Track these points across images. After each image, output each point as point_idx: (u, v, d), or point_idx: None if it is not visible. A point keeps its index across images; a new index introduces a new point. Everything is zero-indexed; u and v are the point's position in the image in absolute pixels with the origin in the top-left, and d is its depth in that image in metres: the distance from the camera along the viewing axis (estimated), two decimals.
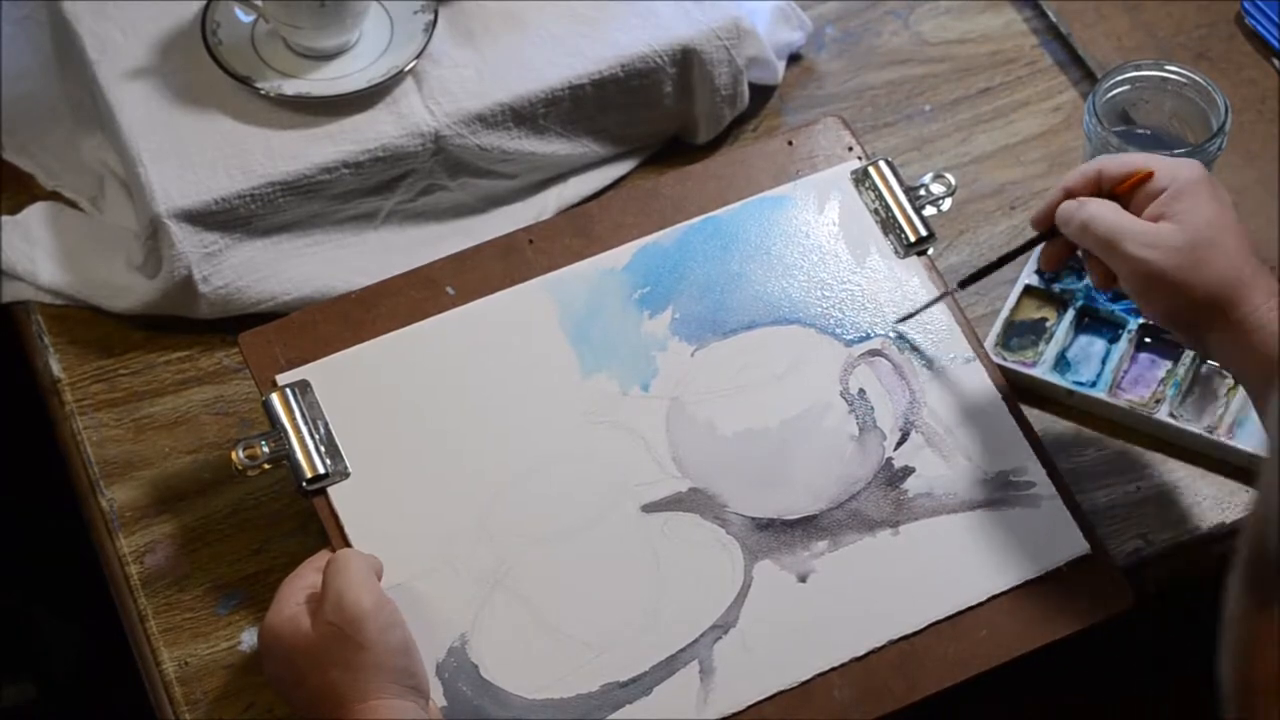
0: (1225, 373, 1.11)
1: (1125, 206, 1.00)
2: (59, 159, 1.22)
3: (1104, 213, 0.99)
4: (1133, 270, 0.98)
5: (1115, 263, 0.99)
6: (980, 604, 1.01)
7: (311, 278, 1.15)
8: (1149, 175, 1.00)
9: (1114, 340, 1.13)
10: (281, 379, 1.05)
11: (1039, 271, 1.15)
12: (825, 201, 1.13)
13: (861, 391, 1.07)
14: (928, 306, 1.09)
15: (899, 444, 1.05)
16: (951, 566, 1.01)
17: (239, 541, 1.07)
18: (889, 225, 1.12)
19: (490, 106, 1.16)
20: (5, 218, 1.18)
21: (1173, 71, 1.12)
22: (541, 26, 1.20)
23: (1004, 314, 1.14)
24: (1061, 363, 1.12)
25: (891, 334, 1.09)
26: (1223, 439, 1.09)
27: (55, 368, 1.14)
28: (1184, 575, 1.07)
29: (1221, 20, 1.27)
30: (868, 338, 1.09)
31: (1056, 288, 1.15)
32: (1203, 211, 0.98)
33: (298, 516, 1.07)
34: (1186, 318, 0.98)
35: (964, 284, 1.08)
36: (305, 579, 0.97)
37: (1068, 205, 1.02)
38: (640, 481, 1.04)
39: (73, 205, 1.20)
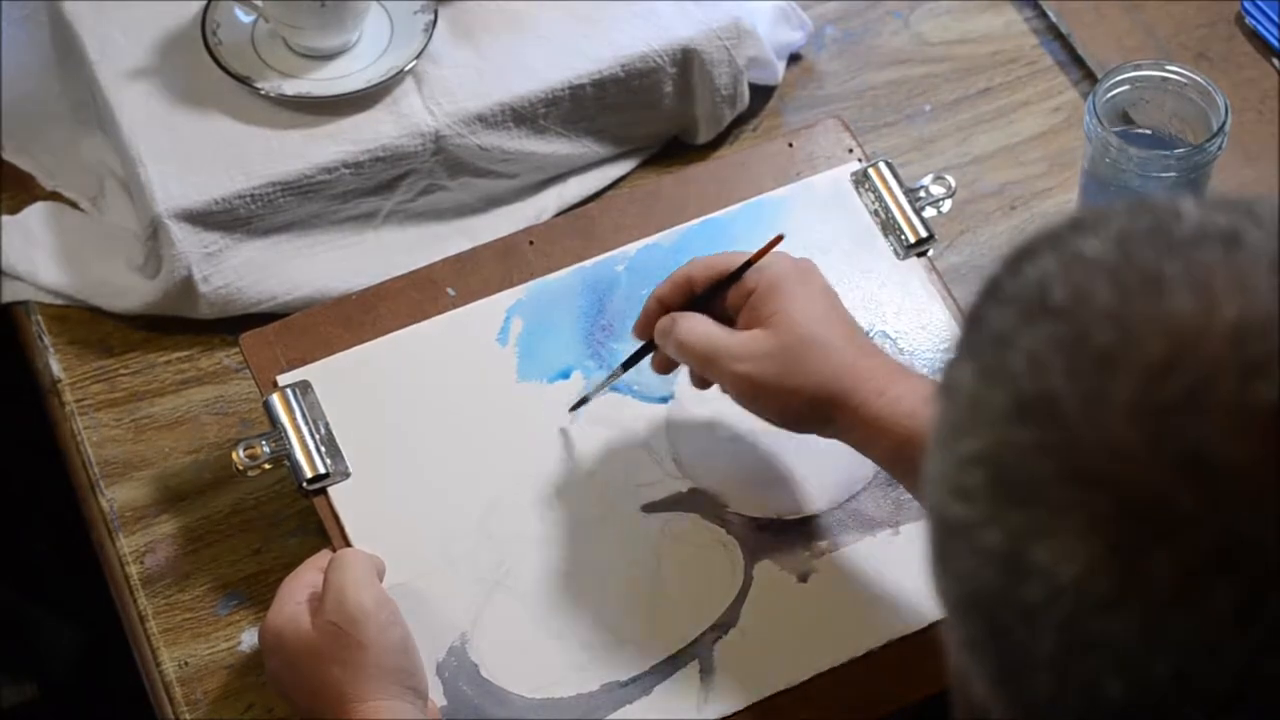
0: None
1: (720, 307, 0.97)
2: (59, 159, 1.22)
3: (695, 332, 0.96)
4: (733, 385, 0.95)
5: (715, 378, 0.97)
6: None
7: (312, 278, 1.15)
8: (729, 275, 0.96)
9: None
10: (282, 379, 1.06)
11: None
12: (825, 203, 1.13)
13: None
14: (597, 392, 1.05)
15: None
16: None
17: (239, 541, 1.07)
18: (889, 226, 1.12)
19: (490, 106, 1.16)
20: (5, 218, 1.18)
21: (1173, 71, 1.12)
22: (541, 26, 1.19)
23: None
24: None
25: (890, 334, 1.09)
26: None
27: (55, 368, 1.14)
28: None
29: (1221, 20, 1.27)
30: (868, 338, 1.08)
31: None
32: (795, 309, 0.94)
33: (298, 516, 1.07)
34: (799, 419, 0.96)
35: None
36: (306, 578, 0.97)
37: (662, 323, 0.98)
38: (640, 482, 1.04)
39: (73, 205, 1.20)
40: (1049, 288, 0.57)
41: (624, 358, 1.04)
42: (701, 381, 1.00)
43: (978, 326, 0.59)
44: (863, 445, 0.95)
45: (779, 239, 0.97)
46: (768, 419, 0.97)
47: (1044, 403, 0.55)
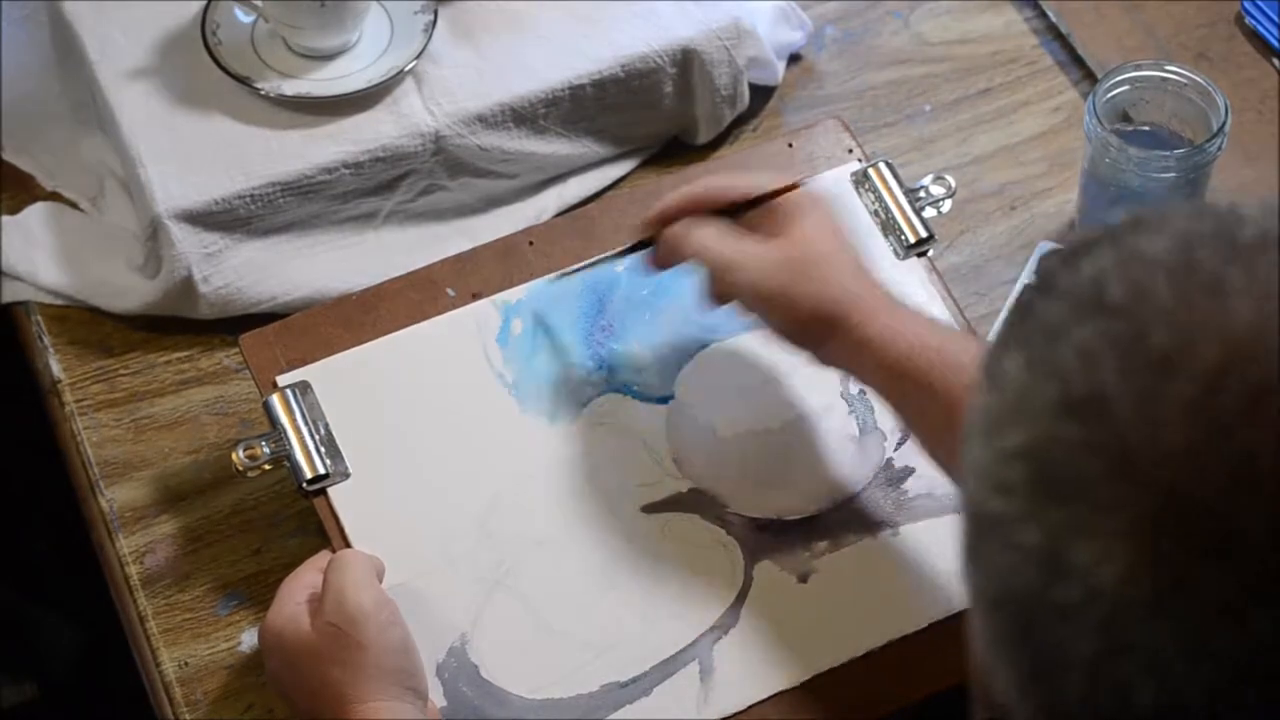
0: None
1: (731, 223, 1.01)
2: (59, 159, 1.22)
3: (714, 237, 0.99)
4: (745, 290, 0.99)
5: (728, 284, 1.00)
6: None
7: (312, 278, 1.15)
8: (748, 201, 1.00)
9: None
10: (282, 380, 1.06)
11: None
12: None
13: (861, 392, 1.07)
14: (578, 270, 1.08)
15: (899, 444, 1.05)
16: (952, 567, 1.01)
17: (239, 541, 1.07)
18: (889, 227, 1.12)
19: (490, 106, 1.16)
20: (5, 218, 1.18)
21: (1173, 71, 1.12)
22: (541, 26, 1.20)
23: (1004, 313, 1.14)
24: None
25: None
26: None
27: (55, 368, 1.14)
28: None
29: (1221, 20, 1.27)
30: None
31: None
32: (809, 228, 0.99)
33: (298, 516, 1.07)
34: (798, 332, 0.99)
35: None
36: (306, 578, 0.97)
37: (676, 228, 1.01)
38: (640, 482, 1.04)
39: (73, 205, 1.20)
40: (1105, 284, 0.56)
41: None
42: (718, 296, 1.01)
43: (1027, 317, 0.58)
44: (853, 366, 0.98)
45: (796, 185, 1.00)
46: (772, 328, 1.00)
47: (1095, 400, 0.54)
